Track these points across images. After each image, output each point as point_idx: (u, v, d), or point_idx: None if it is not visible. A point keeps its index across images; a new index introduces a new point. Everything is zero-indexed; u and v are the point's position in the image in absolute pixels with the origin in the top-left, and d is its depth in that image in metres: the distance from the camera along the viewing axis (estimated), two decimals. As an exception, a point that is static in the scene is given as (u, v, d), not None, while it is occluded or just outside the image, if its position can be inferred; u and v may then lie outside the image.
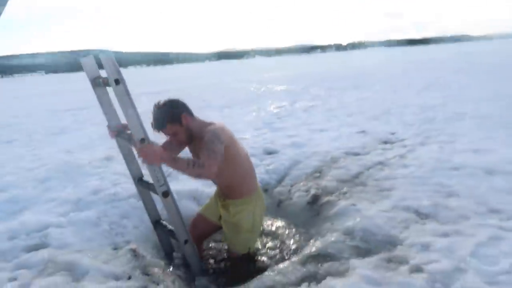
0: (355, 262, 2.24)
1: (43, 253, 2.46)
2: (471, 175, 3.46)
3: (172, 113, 2.33)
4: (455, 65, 19.36)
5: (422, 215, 2.79)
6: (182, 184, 3.66)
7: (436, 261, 2.15)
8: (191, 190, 3.51)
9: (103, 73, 2.19)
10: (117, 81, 2.07)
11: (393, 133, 5.50)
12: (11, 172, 4.43)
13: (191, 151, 2.55)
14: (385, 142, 4.99)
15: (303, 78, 19.04)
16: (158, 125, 2.32)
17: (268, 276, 2.29)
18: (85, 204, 3.18)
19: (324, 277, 2.16)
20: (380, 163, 3.98)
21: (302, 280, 2.21)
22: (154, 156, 2.10)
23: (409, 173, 3.57)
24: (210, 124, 2.41)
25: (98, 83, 2.34)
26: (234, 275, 2.49)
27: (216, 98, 12.75)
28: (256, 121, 7.63)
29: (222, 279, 2.48)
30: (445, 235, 2.46)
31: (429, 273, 2.05)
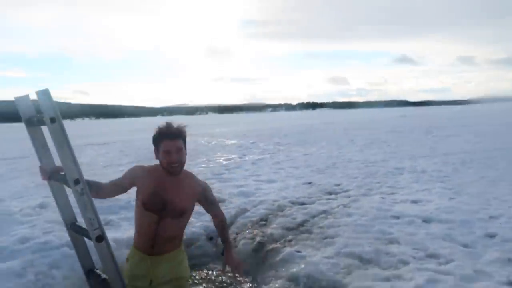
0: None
1: (-48, 308, 2.17)
2: (410, 223, 3.61)
3: (186, 135, 2.27)
4: (394, 126, 20.82)
5: (364, 261, 2.83)
6: (121, 232, 3.47)
7: (378, 305, 2.16)
8: (130, 238, 3.31)
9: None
10: (52, 119, 1.98)
11: (337, 185, 5.67)
12: None
13: (162, 188, 2.39)
14: (330, 193, 5.12)
15: (253, 133, 19.45)
16: (177, 133, 2.22)
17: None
18: (10, 254, 2.89)
19: (266, 325, 2.08)
20: (325, 211, 4.05)
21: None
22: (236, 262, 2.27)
23: (352, 221, 3.65)
24: (193, 174, 2.45)
25: (32, 123, 2.23)
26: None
27: (166, 150, 12.58)
28: (205, 172, 7.58)
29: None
30: (386, 279, 2.50)
31: (371, 317, 2.04)
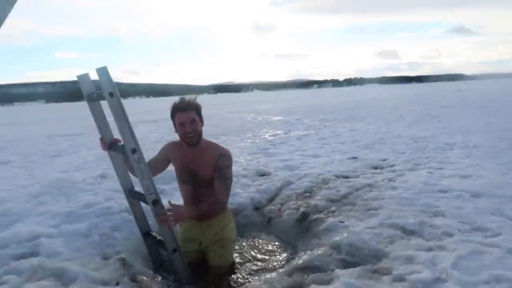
0: (339, 272, 2.29)
1: (32, 261, 2.49)
2: (457, 197, 3.55)
3: (200, 109, 2.54)
4: (447, 101, 19.81)
5: (407, 232, 2.85)
6: (173, 200, 3.70)
7: (419, 272, 2.20)
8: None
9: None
10: (111, 94, 2.19)
11: (384, 160, 5.60)
12: (5, 189, 4.47)
13: (188, 160, 2.61)
14: (375, 168, 5.09)
15: (298, 110, 19.35)
16: (187, 105, 2.47)
17: (255, 285, 2.32)
18: (77, 217, 3.22)
19: (308, 286, 2.19)
20: (369, 185, 4.06)
21: (289, 289, 2.24)
22: (185, 213, 2.36)
23: (397, 194, 3.65)
24: (215, 143, 2.67)
25: (93, 98, 2.45)
26: (221, 285, 2.51)
27: (212, 126, 12.92)
28: (251, 147, 7.74)
29: (210, 285, 2.49)
30: (429, 249, 2.52)
31: (411, 282, 2.10)
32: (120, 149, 2.46)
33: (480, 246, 2.49)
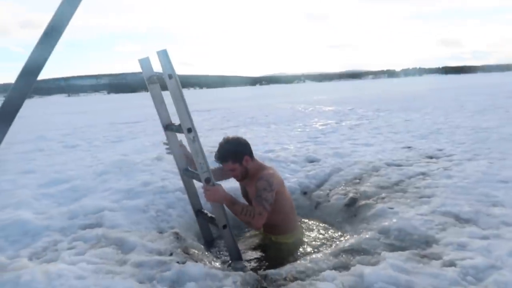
0: (386, 254, 2.27)
1: (97, 231, 2.72)
2: (519, 188, 3.34)
3: (236, 152, 2.65)
4: (516, 91, 18.37)
5: (461, 220, 2.75)
6: (227, 183, 3.84)
7: (471, 258, 2.13)
8: (233, 188, 3.66)
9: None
10: (170, 76, 2.33)
11: (440, 150, 5.38)
12: (73, 169, 4.88)
13: (241, 185, 2.87)
14: (431, 157, 4.90)
15: (351, 100, 18.92)
16: (222, 158, 2.65)
17: (301, 263, 2.37)
18: (136, 194, 3.46)
19: (354, 265, 2.21)
20: (423, 173, 3.94)
21: (334, 268, 2.26)
22: (219, 197, 2.41)
23: (452, 183, 3.51)
24: (264, 168, 2.73)
25: (152, 81, 2.62)
26: (269, 261, 2.58)
27: (263, 116, 13.03)
28: (301, 135, 7.74)
29: (257, 264, 2.59)
30: (484, 237, 2.42)
31: (462, 267, 2.04)
32: (176, 129, 2.61)
33: (541, 236, 2.36)
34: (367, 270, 2.03)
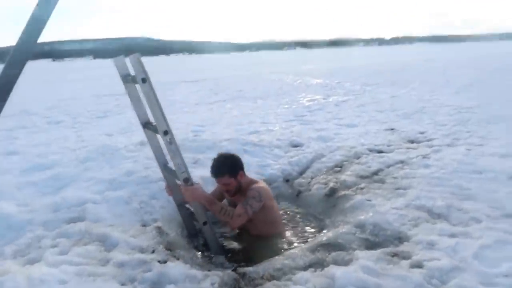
0: (359, 253, 2.37)
1: (80, 225, 2.77)
2: (492, 180, 3.46)
3: (232, 167, 2.76)
4: (505, 63, 18.48)
5: (434, 215, 2.86)
6: (207, 169, 3.89)
7: (438, 259, 2.24)
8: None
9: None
10: (143, 80, 2.32)
11: (422, 133, 5.48)
12: (57, 152, 4.86)
13: (230, 201, 2.93)
14: (412, 141, 5.00)
15: (339, 72, 18.85)
16: (218, 172, 2.73)
17: (278, 259, 2.46)
18: (119, 184, 3.49)
19: (328, 265, 2.31)
20: (402, 161, 4.03)
21: (310, 265, 2.36)
22: (197, 196, 2.51)
23: (429, 173, 3.62)
24: (255, 182, 2.85)
25: (127, 80, 2.60)
26: (249, 255, 2.68)
27: (251, 89, 12.96)
28: (287, 113, 7.78)
29: (238, 258, 2.68)
30: (453, 235, 2.54)
31: (428, 269, 2.15)
32: (154, 129, 2.62)
33: (507, 235, 2.48)
34: (339, 272, 2.13)
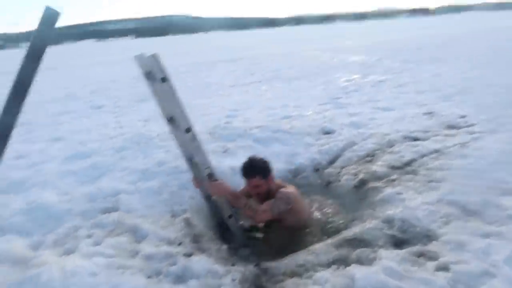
0: (383, 252, 2.33)
1: (114, 216, 2.91)
2: (537, 172, 3.24)
3: (264, 169, 2.79)
4: None
5: (467, 212, 2.74)
6: (237, 159, 3.93)
7: (466, 262, 2.16)
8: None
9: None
10: (163, 79, 2.35)
11: (463, 117, 5.19)
12: (96, 139, 5.10)
13: (259, 199, 2.90)
14: (451, 127, 4.76)
15: (380, 47, 18.11)
16: (251, 172, 2.76)
17: (302, 255, 2.48)
18: (150, 175, 3.61)
19: (351, 263, 2.29)
20: (437, 151, 3.86)
21: (332, 262, 2.36)
22: (223, 191, 2.60)
23: (466, 165, 3.45)
24: (284, 186, 2.87)
25: (149, 77, 2.63)
26: (274, 249, 2.71)
27: (287, 68, 12.79)
28: (322, 95, 7.63)
29: (263, 250, 2.73)
30: (486, 235, 2.42)
31: (455, 273, 2.08)
32: (178, 124, 2.66)
33: (545, 237, 2.34)
34: (359, 273, 2.11)
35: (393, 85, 8.20)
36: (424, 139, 4.30)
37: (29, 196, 3.31)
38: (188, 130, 2.46)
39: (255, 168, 2.77)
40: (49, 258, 2.32)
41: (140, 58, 2.58)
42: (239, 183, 3.52)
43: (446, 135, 4.39)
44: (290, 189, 2.84)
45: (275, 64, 14.35)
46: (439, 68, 10.01)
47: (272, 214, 2.65)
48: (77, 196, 3.27)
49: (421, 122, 5.03)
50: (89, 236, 2.68)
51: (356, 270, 2.16)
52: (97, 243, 2.58)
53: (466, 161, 3.56)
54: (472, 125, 4.76)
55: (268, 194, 2.79)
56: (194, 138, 2.56)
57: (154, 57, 2.31)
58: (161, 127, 5.27)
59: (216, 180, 2.59)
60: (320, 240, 2.78)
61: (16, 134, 5.90)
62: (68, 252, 2.47)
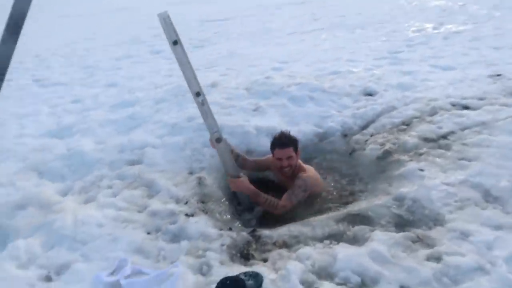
0: (378, 234, 2.26)
1: (135, 169, 3.15)
2: None
3: (296, 142, 2.85)
4: None
5: (489, 198, 2.52)
6: (265, 119, 3.92)
7: (462, 254, 2.04)
8: (269, 127, 3.75)
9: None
10: (175, 42, 2.34)
11: (536, 82, 4.55)
12: (144, 88, 5.37)
13: (280, 180, 3.02)
14: (514, 94, 4.21)
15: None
16: (285, 142, 2.79)
17: (298, 226, 2.50)
18: (179, 129, 3.76)
19: (343, 241, 2.28)
20: (483, 123, 3.47)
21: (326, 237, 2.36)
22: (243, 188, 2.67)
23: (509, 143, 3.08)
24: (304, 169, 2.88)
25: (176, 41, 2.59)
26: (276, 217, 2.76)
27: (355, 14, 11.93)
28: (382, 48, 7.08)
29: (266, 216, 2.79)
30: (498, 227, 2.23)
31: (445, 265, 1.98)
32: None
33: None
34: (342, 253, 2.09)
35: (468, 38, 7.30)
36: (475, 108, 3.88)
37: (71, 142, 3.67)
38: (198, 94, 2.50)
39: (290, 139, 2.81)
40: (69, 205, 2.63)
41: (163, 17, 2.42)
42: (260, 144, 3.57)
43: (503, 105, 3.90)
44: (309, 172, 2.87)
45: (343, 8, 13.42)
46: (534, 17, 8.64)
47: (292, 205, 2.72)
48: (110, 146, 3.56)
49: (480, 87, 4.50)
50: (109, 187, 2.95)
51: (341, 249, 2.15)
52: (114, 194, 2.84)
53: (511, 138, 3.18)
54: (541, 93, 4.16)
55: (293, 173, 2.83)
56: (203, 102, 2.60)
57: (164, 17, 2.27)
58: (202, 79, 5.37)
59: (221, 141, 2.64)
60: (324, 212, 2.76)
61: (78, 78, 6.43)
62: (88, 201, 2.76)
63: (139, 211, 2.63)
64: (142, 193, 2.84)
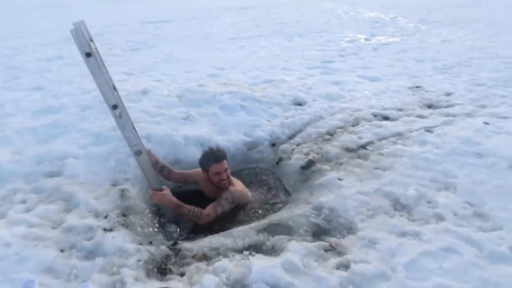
0: (293, 244, 2.34)
1: (53, 181, 2.99)
2: (489, 167, 3.13)
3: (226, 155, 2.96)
4: None
5: (397, 206, 2.71)
6: (194, 128, 3.91)
7: (367, 262, 2.17)
8: (199, 136, 3.74)
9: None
10: (88, 54, 2.25)
11: (449, 94, 4.98)
12: (71, 93, 5.12)
13: (209, 193, 3.03)
14: (429, 106, 4.58)
15: (401, 4, 17.06)
16: (223, 156, 2.86)
17: (220, 237, 2.52)
18: (103, 139, 3.64)
19: (262, 251, 2.33)
20: (399, 134, 3.74)
21: (246, 249, 2.40)
22: (165, 201, 2.61)
23: (420, 153, 3.34)
24: (233, 183, 2.96)
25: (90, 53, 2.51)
26: (196, 225, 2.76)
27: (295, 21, 12.29)
28: (316, 57, 7.36)
29: (188, 228, 2.79)
30: (402, 234, 2.41)
31: (351, 273, 2.10)
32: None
33: (459, 242, 2.31)
34: (257, 265, 2.15)
35: (395, 50, 7.83)
36: (393, 119, 4.16)
37: (-18, 153, 3.40)
38: (115, 107, 2.42)
39: (222, 152, 2.88)
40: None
41: (78, 27, 2.36)
42: (189, 154, 3.55)
43: (418, 116, 4.23)
44: (237, 186, 2.95)
45: (284, 16, 13.77)
46: (452, 33, 9.43)
47: (217, 214, 2.75)
48: (27, 156, 3.35)
49: (400, 98, 4.84)
50: (23, 202, 2.78)
51: (256, 261, 2.20)
52: (27, 210, 2.68)
53: (422, 148, 3.45)
54: (453, 105, 4.56)
55: (229, 183, 2.92)
56: (121, 115, 2.52)
57: (79, 26, 2.18)
58: (133, 85, 5.24)
59: (141, 154, 2.59)
60: (247, 221, 2.81)
61: (0, 80, 5.98)
62: (0, 216, 2.57)
63: (53, 227, 2.51)
64: (59, 208, 2.71)
